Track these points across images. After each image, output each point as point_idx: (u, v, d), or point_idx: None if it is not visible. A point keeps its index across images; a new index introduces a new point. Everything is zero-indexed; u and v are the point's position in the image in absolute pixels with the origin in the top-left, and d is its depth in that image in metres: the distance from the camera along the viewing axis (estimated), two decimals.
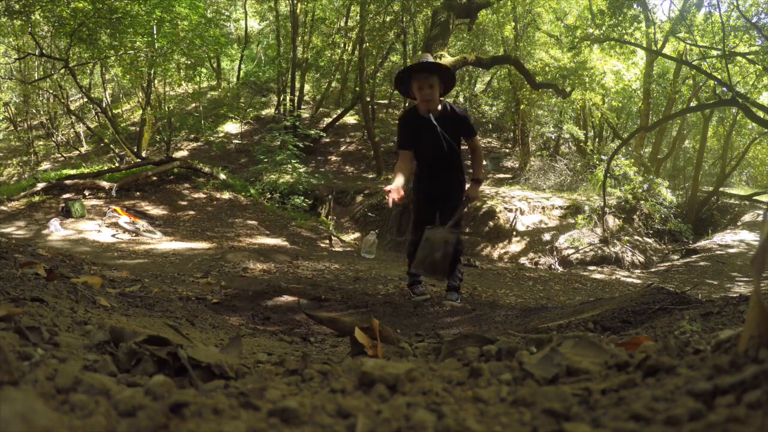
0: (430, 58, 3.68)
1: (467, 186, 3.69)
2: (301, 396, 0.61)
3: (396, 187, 3.31)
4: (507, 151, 19.67)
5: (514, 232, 12.18)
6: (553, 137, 17.86)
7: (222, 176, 12.56)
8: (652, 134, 16.69)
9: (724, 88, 10.75)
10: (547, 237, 12.07)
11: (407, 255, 3.84)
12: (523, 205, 12.75)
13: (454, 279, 3.70)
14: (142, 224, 8.72)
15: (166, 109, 16.73)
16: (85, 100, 18.68)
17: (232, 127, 19.35)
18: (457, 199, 3.66)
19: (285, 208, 12.19)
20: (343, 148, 18.58)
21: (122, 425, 0.48)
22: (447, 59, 9.79)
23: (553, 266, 11.23)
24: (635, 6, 10.91)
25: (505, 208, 12.54)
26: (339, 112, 19.07)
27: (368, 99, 16.33)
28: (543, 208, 12.86)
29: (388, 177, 14.45)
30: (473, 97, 17.62)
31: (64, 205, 9.74)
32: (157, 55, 13.11)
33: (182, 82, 17.93)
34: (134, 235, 8.41)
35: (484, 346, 0.87)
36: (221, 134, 18.76)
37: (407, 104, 13.18)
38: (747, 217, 15.03)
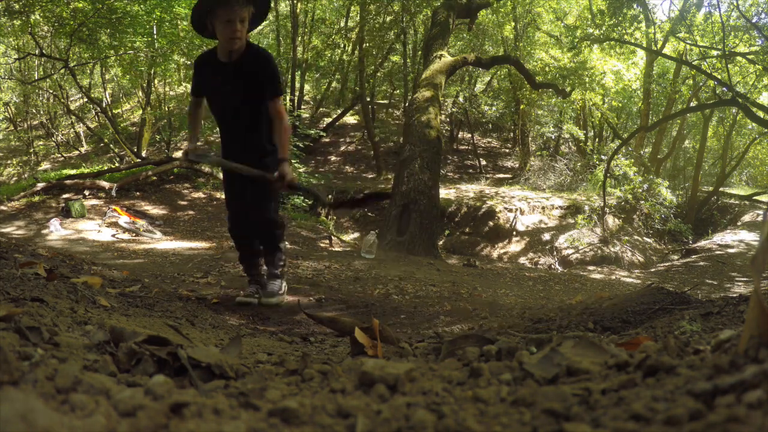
0: None
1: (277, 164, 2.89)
2: (301, 396, 0.61)
3: (191, 147, 3.02)
4: (507, 150, 19.68)
5: (514, 232, 12.18)
6: (553, 137, 17.86)
7: (222, 176, 12.55)
8: (652, 134, 16.69)
9: (724, 88, 10.75)
10: (546, 237, 12.08)
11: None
12: (523, 205, 12.75)
13: (274, 265, 3.20)
14: (142, 224, 8.72)
15: (166, 109, 16.73)
16: (85, 100, 18.68)
17: None
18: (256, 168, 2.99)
19: (284, 207, 12.19)
20: (343, 148, 18.59)
21: (122, 425, 0.48)
22: (447, 59, 9.78)
23: (552, 266, 11.24)
24: (635, 6, 10.91)
25: (505, 208, 12.54)
26: (339, 112, 19.07)
27: (368, 99, 16.34)
28: (543, 208, 12.86)
29: (389, 177, 14.46)
30: (473, 97, 17.62)
31: (64, 205, 9.74)
32: (157, 55, 13.11)
33: (182, 82, 17.93)
34: (134, 234, 8.40)
35: (484, 346, 0.87)
36: None
37: (406, 103, 13.14)
38: (747, 217, 15.03)
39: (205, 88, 3.02)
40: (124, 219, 8.70)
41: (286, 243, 3.36)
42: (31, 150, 19.71)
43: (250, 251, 3.22)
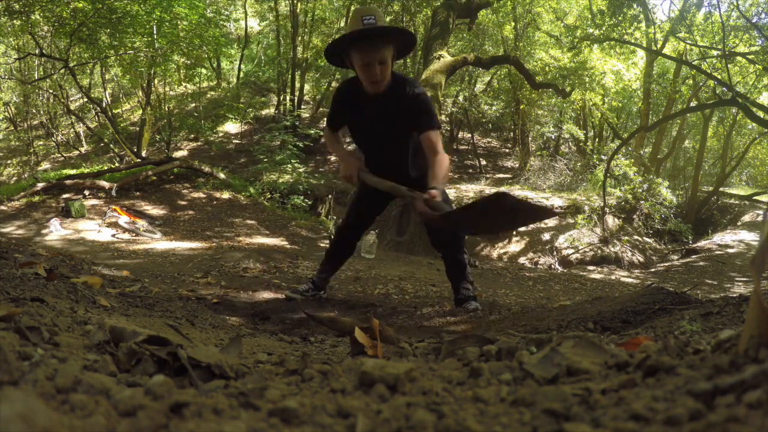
0: (381, 17, 2.54)
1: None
2: (301, 396, 0.61)
3: (353, 168, 2.75)
4: (507, 150, 19.68)
5: (514, 232, 12.18)
6: (553, 137, 17.87)
7: (222, 176, 12.56)
8: (652, 134, 16.70)
9: (724, 88, 10.75)
10: (546, 237, 12.08)
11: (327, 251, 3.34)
12: None
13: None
14: (141, 224, 8.72)
15: (166, 109, 16.73)
16: (85, 100, 18.68)
17: (231, 127, 19.34)
18: (382, 205, 3.06)
19: (285, 207, 12.19)
20: None
21: (122, 425, 0.48)
22: (447, 59, 9.77)
23: (552, 266, 11.24)
24: (635, 6, 10.91)
25: None
26: None
27: None
28: None
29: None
30: (473, 97, 17.62)
31: (63, 204, 9.74)
32: (157, 55, 13.11)
33: (182, 82, 17.93)
34: (134, 234, 8.40)
35: (484, 346, 0.87)
36: (221, 134, 18.75)
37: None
38: (747, 217, 15.03)
39: (345, 120, 2.86)
40: (124, 219, 8.70)
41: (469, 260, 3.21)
42: (31, 150, 19.71)
43: (344, 256, 3.27)
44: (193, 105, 18.96)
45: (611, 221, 12.71)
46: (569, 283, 6.96)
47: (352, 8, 17.71)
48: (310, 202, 12.85)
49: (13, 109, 20.43)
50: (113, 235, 8.40)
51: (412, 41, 2.67)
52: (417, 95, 2.60)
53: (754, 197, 17.06)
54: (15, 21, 12.92)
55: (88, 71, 17.89)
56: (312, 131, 15.79)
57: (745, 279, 9.08)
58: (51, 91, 18.15)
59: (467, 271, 3.09)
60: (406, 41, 2.64)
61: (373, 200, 3.04)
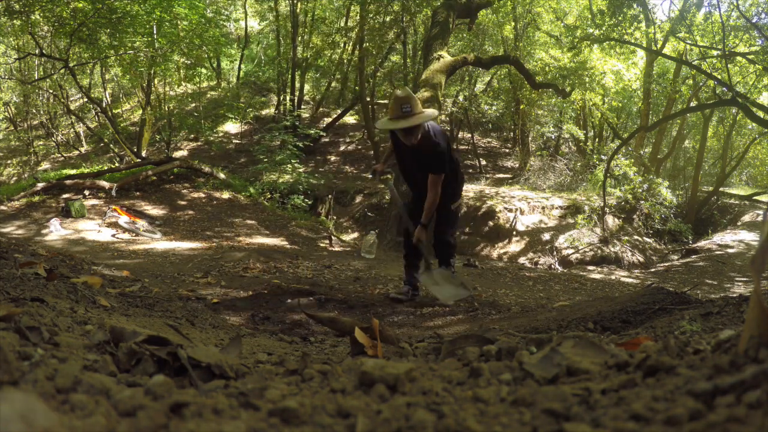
0: (416, 104, 3.61)
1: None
2: (301, 396, 0.61)
3: (381, 169, 4.11)
4: (507, 150, 19.68)
5: (514, 232, 12.18)
6: (553, 137, 17.87)
7: (222, 176, 12.56)
8: (652, 134, 16.70)
9: (724, 88, 10.75)
10: (546, 237, 12.08)
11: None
12: (523, 205, 12.75)
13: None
14: (141, 224, 8.72)
15: (166, 109, 16.73)
16: (85, 100, 18.69)
17: (231, 127, 19.35)
18: (432, 229, 3.97)
19: (285, 207, 12.19)
20: (342, 148, 18.59)
21: (122, 425, 0.48)
22: (447, 59, 9.77)
23: (552, 266, 11.24)
24: (635, 6, 10.91)
25: (505, 208, 12.55)
26: (339, 112, 19.07)
27: (368, 99, 16.33)
28: (543, 208, 12.86)
29: (388, 177, 14.41)
30: (473, 97, 17.62)
31: (64, 204, 9.74)
32: (157, 55, 13.12)
33: (182, 82, 17.92)
34: (134, 234, 8.40)
35: (484, 346, 0.87)
36: (221, 134, 18.75)
37: None
38: (747, 217, 15.03)
39: (396, 149, 3.93)
40: (124, 219, 8.70)
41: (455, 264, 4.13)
42: (31, 150, 19.71)
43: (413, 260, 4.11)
44: (193, 105, 18.96)
45: (611, 221, 12.71)
46: (569, 283, 6.96)
47: (352, 8, 17.73)
48: (310, 202, 12.85)
49: (13, 109, 20.43)
50: (113, 235, 8.39)
51: (433, 118, 3.75)
52: (435, 150, 3.66)
53: (754, 197, 17.06)
54: (15, 21, 12.93)
55: (88, 71, 17.89)
56: (312, 131, 15.79)
57: (745, 279, 9.08)
58: (51, 91, 18.15)
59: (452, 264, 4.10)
60: (431, 119, 3.69)
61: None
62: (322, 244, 9.08)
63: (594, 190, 13.54)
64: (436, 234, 4.02)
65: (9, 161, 20.35)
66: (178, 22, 13.10)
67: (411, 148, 3.71)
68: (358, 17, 16.40)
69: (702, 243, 13.05)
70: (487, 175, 16.73)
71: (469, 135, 18.70)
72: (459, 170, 4.01)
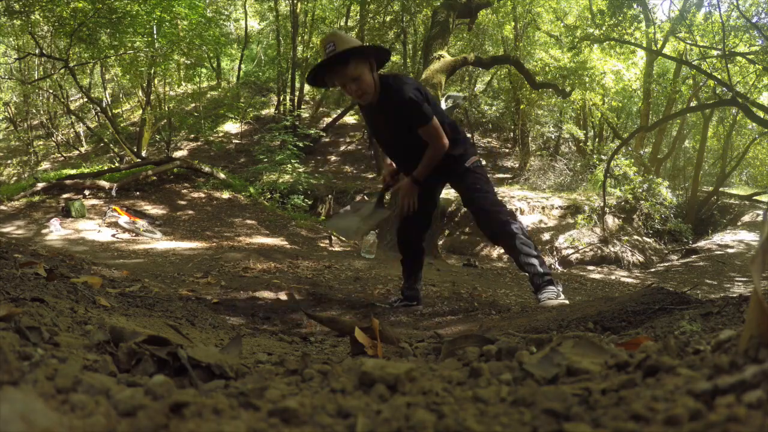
0: (341, 40, 2.69)
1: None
2: (301, 396, 0.61)
3: (390, 172, 3.18)
4: (507, 150, 19.68)
5: None
6: (553, 137, 17.87)
7: (222, 176, 12.56)
8: (652, 134, 16.70)
9: (724, 88, 10.75)
10: (546, 237, 12.08)
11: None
12: (523, 205, 12.75)
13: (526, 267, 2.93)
14: (141, 224, 8.72)
15: (166, 109, 16.73)
16: (85, 100, 18.68)
17: (231, 127, 19.35)
18: (429, 197, 3.13)
19: (285, 207, 12.19)
20: (342, 148, 18.59)
21: (122, 425, 0.48)
22: (447, 59, 9.77)
23: (552, 266, 11.24)
24: (635, 6, 10.91)
25: None
26: (339, 112, 19.07)
27: None
28: (543, 208, 12.86)
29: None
30: (473, 97, 17.62)
31: (63, 204, 9.74)
32: (157, 55, 13.11)
33: (182, 82, 17.92)
34: (134, 234, 8.40)
35: (484, 346, 0.87)
36: (221, 134, 18.76)
37: None
38: (747, 217, 15.03)
39: (368, 127, 3.16)
40: (124, 219, 8.70)
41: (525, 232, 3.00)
42: (31, 150, 19.71)
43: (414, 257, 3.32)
44: (193, 105, 18.96)
45: (611, 221, 12.71)
46: (569, 283, 6.96)
47: (352, 8, 17.74)
48: (310, 202, 12.85)
49: (13, 109, 20.43)
50: (113, 235, 8.39)
51: (379, 51, 2.89)
52: (400, 98, 2.75)
53: (754, 197, 17.05)
54: (15, 21, 12.92)
55: (88, 71, 17.89)
56: (312, 131, 15.79)
57: (745, 279, 9.08)
58: (51, 91, 18.15)
59: (525, 252, 2.90)
60: (374, 52, 2.83)
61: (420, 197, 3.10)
62: (322, 244, 9.08)
63: (594, 190, 13.54)
64: (473, 203, 2.95)
65: (9, 161, 20.36)
66: (178, 22, 13.10)
67: (380, 112, 2.87)
68: (358, 17, 16.40)
69: (702, 243, 13.05)
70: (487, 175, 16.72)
71: (469, 135, 18.70)
72: (459, 128, 3.09)
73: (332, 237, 9.47)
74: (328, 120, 19.00)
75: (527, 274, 2.97)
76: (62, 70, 14.18)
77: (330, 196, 12.93)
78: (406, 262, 3.34)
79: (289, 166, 13.59)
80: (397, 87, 2.77)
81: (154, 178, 11.97)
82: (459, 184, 3.02)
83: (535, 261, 2.90)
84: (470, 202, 2.97)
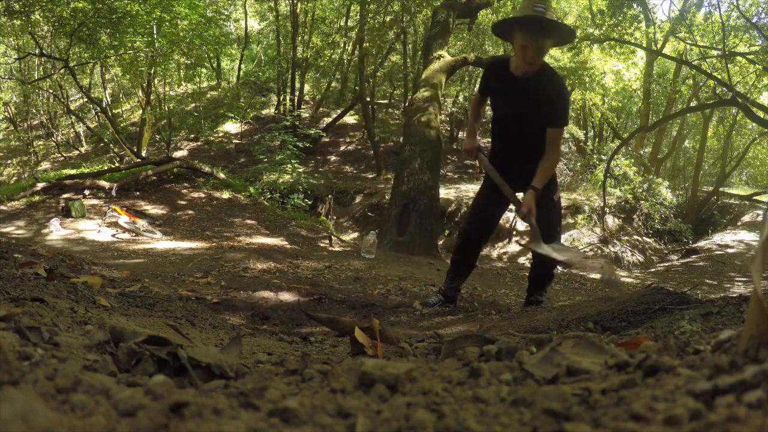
0: (550, 8, 2.66)
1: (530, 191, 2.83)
2: (301, 396, 0.61)
3: (472, 146, 3.03)
4: None
5: (514, 232, 12.18)
6: None
7: (222, 176, 12.56)
8: (652, 134, 16.69)
9: (724, 88, 10.75)
10: None
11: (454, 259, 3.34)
12: None
13: (541, 292, 3.23)
14: (141, 224, 8.72)
15: (166, 109, 16.73)
16: (85, 100, 18.68)
17: (231, 126, 19.35)
18: (502, 204, 3.11)
19: (285, 207, 12.19)
20: (342, 148, 18.59)
21: (122, 425, 0.48)
22: (447, 59, 9.78)
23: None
24: (635, 6, 10.91)
25: None
26: (339, 112, 19.07)
27: (368, 99, 16.33)
28: None
29: (388, 176, 14.46)
30: (473, 97, 17.62)
31: (64, 204, 9.74)
32: (157, 55, 13.11)
33: (182, 82, 17.92)
34: (134, 234, 8.40)
35: (484, 346, 0.87)
36: (221, 134, 18.76)
37: (406, 103, 13.30)
38: (747, 217, 15.03)
39: (493, 93, 3.00)
40: (124, 219, 8.70)
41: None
42: (31, 150, 19.71)
43: (472, 260, 3.29)
44: (193, 105, 18.96)
45: (611, 221, 12.71)
46: (569, 283, 6.96)
47: (352, 8, 17.72)
48: (310, 202, 12.84)
49: (13, 109, 20.43)
50: (113, 235, 8.39)
51: (572, 38, 2.95)
52: (561, 89, 2.76)
53: (754, 197, 17.05)
54: (15, 21, 12.92)
55: (88, 71, 17.89)
56: (312, 131, 15.79)
57: (745, 279, 9.08)
58: (51, 91, 18.14)
59: (549, 286, 3.26)
60: (567, 36, 2.87)
61: (497, 205, 3.13)
62: (322, 244, 9.08)
63: (594, 190, 13.54)
64: (547, 240, 2.93)
65: (9, 161, 20.35)
66: (178, 22, 13.10)
67: (519, 88, 2.76)
68: (358, 17, 16.39)
69: (702, 243, 13.05)
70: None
71: None
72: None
73: (332, 237, 9.46)
74: (328, 120, 19.00)
75: (532, 301, 3.18)
76: (62, 70, 14.17)
77: (330, 196, 12.92)
78: (462, 263, 3.31)
79: (289, 166, 13.58)
80: (556, 78, 2.79)
81: (154, 178, 11.97)
82: (540, 210, 2.91)
83: (544, 297, 3.20)
84: (545, 237, 2.96)
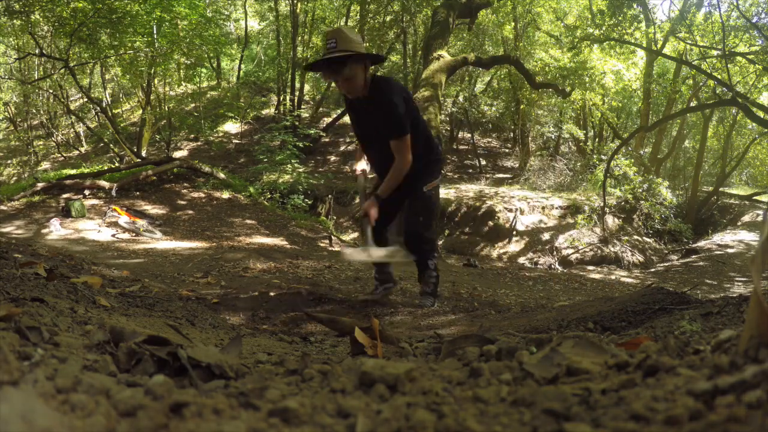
0: (342, 39, 2.78)
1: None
2: (301, 396, 0.61)
3: (354, 169, 3.32)
4: (507, 150, 19.68)
5: (514, 232, 12.18)
6: (553, 137, 17.86)
7: (222, 176, 12.56)
8: (652, 134, 16.69)
9: (724, 88, 10.75)
10: (546, 237, 12.08)
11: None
12: (523, 205, 12.75)
13: (425, 283, 3.38)
14: (142, 224, 8.72)
15: (166, 109, 16.73)
16: (85, 100, 18.68)
17: (231, 126, 19.35)
18: (396, 203, 3.21)
19: (285, 207, 12.19)
20: (342, 148, 18.59)
21: (122, 425, 0.48)
22: (447, 59, 9.77)
23: (552, 266, 11.24)
24: (635, 6, 10.91)
25: (505, 208, 12.54)
26: (339, 112, 19.07)
27: None
28: (542, 207, 12.86)
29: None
30: (473, 97, 17.62)
31: (64, 204, 9.74)
32: (157, 55, 13.11)
33: (182, 82, 17.92)
34: (134, 234, 8.40)
35: (484, 346, 0.87)
36: (221, 134, 18.75)
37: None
38: (747, 217, 15.03)
39: (351, 121, 3.21)
40: (124, 219, 8.70)
41: (437, 266, 3.41)
42: (31, 150, 19.71)
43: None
44: (193, 105, 18.96)
45: (611, 221, 12.71)
46: (569, 283, 6.96)
47: (352, 8, 17.74)
48: (309, 202, 12.84)
49: (13, 109, 20.43)
50: (113, 235, 8.40)
51: (378, 59, 3.23)
52: (388, 102, 2.85)
53: (754, 197, 17.05)
54: (15, 21, 12.93)
55: (88, 71, 17.89)
56: (312, 131, 15.79)
57: (745, 279, 9.08)
58: (51, 91, 18.14)
59: (428, 275, 3.34)
60: (372, 59, 3.02)
61: (390, 205, 3.24)
62: (322, 244, 9.09)
63: (594, 190, 13.54)
64: (406, 226, 3.19)
65: (9, 161, 20.35)
66: (178, 22, 13.10)
67: (365, 109, 2.96)
68: (358, 17, 16.39)
69: (702, 243, 13.05)
70: (487, 175, 16.73)
71: (469, 135, 18.71)
72: (433, 143, 3.19)
73: (332, 237, 9.47)
74: (328, 120, 19.01)
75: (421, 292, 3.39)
76: (62, 70, 14.18)
77: (330, 196, 12.92)
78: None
79: (289, 166, 13.58)
80: (386, 89, 2.89)
81: (154, 178, 11.97)
82: (410, 203, 3.19)
83: (430, 299, 3.31)
84: (409, 224, 3.18)
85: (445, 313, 3.25)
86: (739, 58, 11.66)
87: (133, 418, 0.49)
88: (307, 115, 19.24)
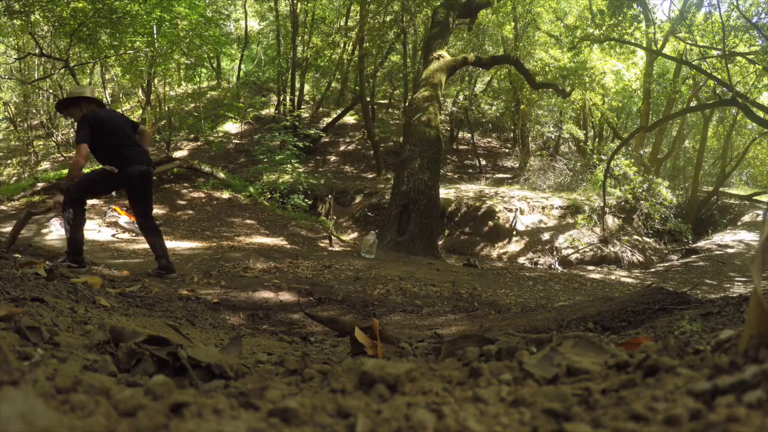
0: (70, 93, 4.40)
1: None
2: (301, 396, 0.61)
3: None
4: (507, 150, 19.68)
5: (514, 232, 12.18)
6: (553, 137, 17.87)
7: (222, 176, 12.56)
8: (652, 134, 16.69)
9: (724, 88, 10.75)
10: (546, 237, 12.08)
11: None
12: (523, 205, 12.76)
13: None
14: None
15: (166, 109, 16.73)
16: None
17: (231, 126, 19.35)
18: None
19: (285, 207, 12.19)
20: (342, 148, 18.59)
21: (122, 425, 0.48)
22: (447, 59, 9.78)
23: (552, 266, 11.24)
24: (635, 6, 10.91)
25: (505, 208, 12.55)
26: (339, 112, 19.07)
27: (368, 99, 16.33)
28: (542, 207, 12.86)
29: (388, 176, 14.46)
30: (473, 96, 17.62)
31: None
32: (157, 55, 13.11)
33: (182, 82, 17.92)
34: (134, 234, 8.40)
35: (484, 346, 0.87)
36: (221, 134, 18.76)
37: (406, 103, 13.37)
38: (747, 217, 15.03)
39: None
40: (124, 219, 8.70)
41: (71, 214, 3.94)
42: (31, 150, 19.71)
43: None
44: (193, 105, 18.96)
45: (611, 221, 12.71)
46: (569, 283, 6.96)
47: (352, 8, 17.73)
48: (310, 202, 12.84)
49: (13, 109, 20.43)
50: (113, 235, 8.40)
51: (67, 103, 4.40)
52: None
53: (754, 197, 17.05)
54: (15, 21, 12.92)
55: (88, 71, 17.88)
56: (312, 131, 15.79)
57: (745, 279, 9.08)
58: (51, 91, 18.14)
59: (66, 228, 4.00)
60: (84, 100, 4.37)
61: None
62: (322, 244, 9.09)
63: (594, 190, 13.54)
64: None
65: (9, 161, 20.35)
66: (178, 21, 13.10)
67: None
68: (358, 17, 16.39)
69: (702, 243, 13.05)
70: (487, 175, 16.73)
71: (469, 135, 18.71)
72: (120, 151, 4.34)
73: (332, 237, 9.47)
74: (328, 120, 19.00)
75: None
76: (62, 70, 14.18)
77: (330, 196, 12.92)
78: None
79: (289, 166, 13.58)
80: (82, 115, 4.18)
81: (154, 178, 11.96)
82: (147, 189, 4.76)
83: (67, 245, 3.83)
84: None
85: (445, 313, 3.25)
86: (739, 58, 11.66)
87: (133, 418, 0.49)
88: (307, 115, 19.24)
